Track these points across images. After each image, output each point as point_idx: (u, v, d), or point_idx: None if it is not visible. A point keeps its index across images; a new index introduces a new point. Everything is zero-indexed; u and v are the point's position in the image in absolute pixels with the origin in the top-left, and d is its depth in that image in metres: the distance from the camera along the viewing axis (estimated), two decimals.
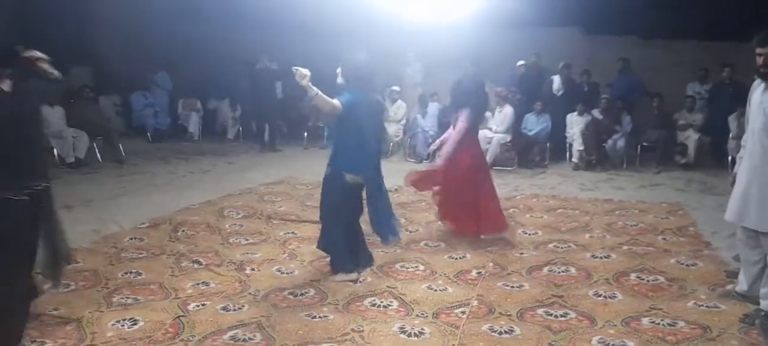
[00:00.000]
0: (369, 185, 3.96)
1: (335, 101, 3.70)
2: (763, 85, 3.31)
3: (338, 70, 3.88)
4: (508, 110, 8.34)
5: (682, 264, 4.15)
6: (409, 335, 3.09)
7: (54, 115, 8.10)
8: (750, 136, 3.38)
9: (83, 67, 10.66)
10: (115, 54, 11.33)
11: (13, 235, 2.67)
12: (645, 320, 3.25)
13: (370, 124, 3.87)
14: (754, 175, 3.28)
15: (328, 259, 4.07)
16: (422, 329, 3.16)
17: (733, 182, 3.64)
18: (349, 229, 4.00)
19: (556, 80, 9.20)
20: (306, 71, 3.54)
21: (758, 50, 3.28)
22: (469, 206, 4.70)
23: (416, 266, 4.17)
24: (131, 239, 4.75)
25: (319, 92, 3.62)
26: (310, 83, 3.56)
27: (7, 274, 2.66)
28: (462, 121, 4.70)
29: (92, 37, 11.35)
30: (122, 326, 3.15)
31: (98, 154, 8.44)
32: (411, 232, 5.09)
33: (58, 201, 5.78)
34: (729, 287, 3.65)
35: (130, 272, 3.98)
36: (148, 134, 10.37)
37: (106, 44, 11.38)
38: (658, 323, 3.20)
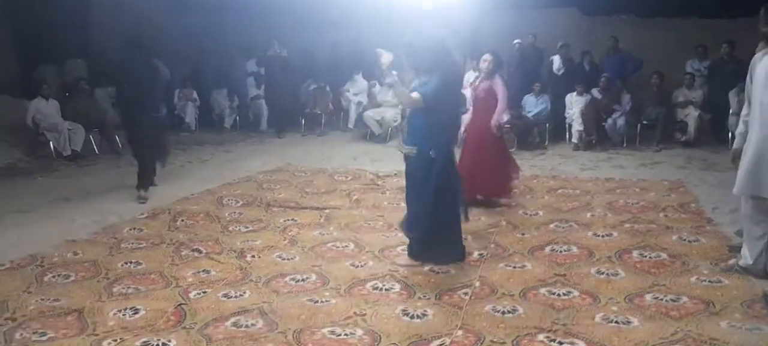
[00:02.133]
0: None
1: (416, 96, 3.57)
2: (767, 58, 3.25)
3: (383, 58, 3.67)
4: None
5: (684, 240, 4.13)
6: (412, 317, 3.07)
7: (49, 109, 8.08)
8: (757, 109, 3.32)
9: (78, 60, 10.60)
10: (109, 45, 11.24)
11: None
12: (648, 297, 3.24)
13: (454, 102, 3.78)
14: (765, 145, 3.25)
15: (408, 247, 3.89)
16: (425, 310, 3.15)
17: (734, 158, 3.62)
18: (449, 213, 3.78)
19: (556, 60, 9.15)
20: (389, 56, 3.44)
21: (765, 29, 3.25)
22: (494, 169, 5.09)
23: None
24: (130, 229, 4.73)
25: (401, 85, 3.56)
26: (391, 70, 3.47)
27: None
28: (501, 86, 5.07)
29: (87, 28, 11.26)
30: (124, 315, 3.13)
31: (95, 147, 8.39)
32: None
33: (57, 193, 5.88)
34: (731, 261, 3.63)
35: (130, 262, 3.96)
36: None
37: (101, 35, 11.28)
38: (662, 299, 3.19)
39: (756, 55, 3.47)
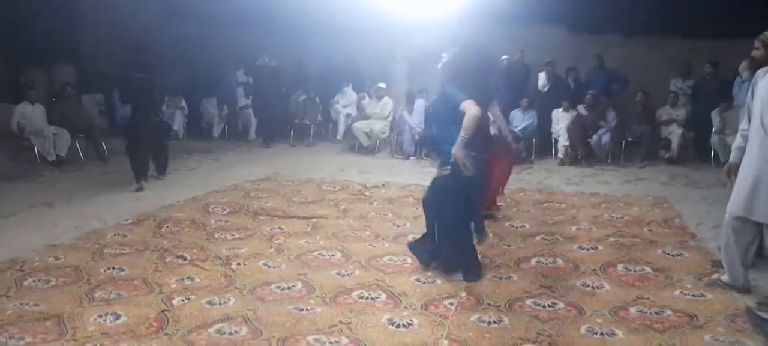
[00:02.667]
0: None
1: (472, 112, 3.45)
2: None
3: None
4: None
5: (668, 255, 4.17)
6: (398, 327, 3.06)
7: (35, 113, 7.98)
8: (757, 126, 3.28)
9: (66, 66, 10.52)
10: (99, 52, 11.19)
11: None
12: (632, 309, 3.26)
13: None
14: (763, 168, 3.21)
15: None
16: (411, 320, 3.14)
17: (729, 172, 3.57)
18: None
19: (542, 77, 9.27)
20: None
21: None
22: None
23: (404, 259, 4.14)
24: (114, 235, 4.67)
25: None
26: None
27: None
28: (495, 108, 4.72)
29: (76, 34, 11.20)
30: (104, 320, 3.08)
31: (80, 152, 8.30)
32: (398, 226, 5.07)
33: (40, 198, 5.80)
34: (715, 276, 3.67)
35: (113, 268, 3.90)
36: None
37: (90, 42, 11.23)
38: (646, 312, 3.21)
39: (759, 72, 3.43)
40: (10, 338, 2.90)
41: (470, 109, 3.45)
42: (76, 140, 8.21)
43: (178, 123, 10.39)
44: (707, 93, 8.33)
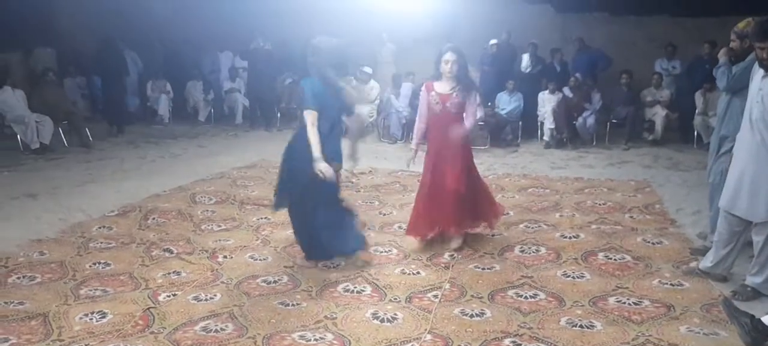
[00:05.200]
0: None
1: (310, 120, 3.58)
2: (761, 71, 3.22)
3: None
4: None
5: (648, 242, 4.25)
6: (382, 321, 3.11)
7: (15, 99, 7.83)
8: (746, 123, 3.29)
9: (47, 49, 10.31)
10: (80, 34, 10.98)
11: None
12: (611, 300, 3.33)
13: (339, 109, 3.78)
14: (747, 163, 3.24)
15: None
16: (395, 314, 3.18)
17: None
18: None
19: (525, 59, 9.28)
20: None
21: (758, 45, 3.16)
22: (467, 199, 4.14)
23: (390, 250, 4.18)
24: (99, 227, 4.66)
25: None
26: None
27: None
28: (474, 105, 4.15)
29: (56, 17, 10.96)
30: (90, 319, 3.10)
31: (64, 140, 8.21)
32: (384, 214, 5.10)
33: (23, 189, 5.75)
34: (693, 264, 3.76)
35: (99, 263, 3.91)
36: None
37: (71, 24, 11.00)
38: (624, 303, 3.29)
39: (753, 67, 3.37)
40: None
41: (308, 118, 3.56)
42: (59, 127, 8.11)
43: (163, 108, 10.28)
44: (700, 73, 8.07)
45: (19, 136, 7.69)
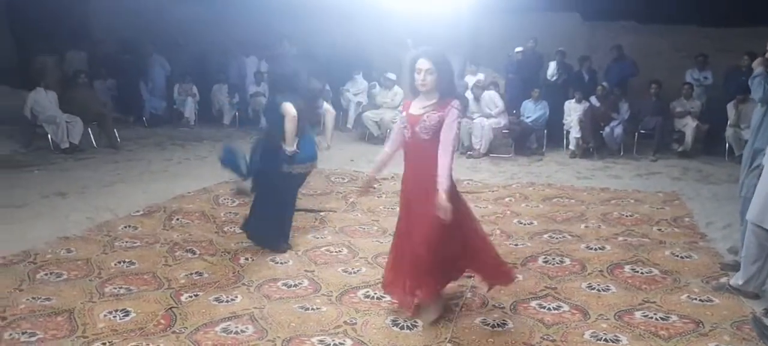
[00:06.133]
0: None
1: (290, 113, 4.04)
2: None
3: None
4: (490, 94, 8.42)
5: (677, 256, 4.14)
6: (402, 328, 3.08)
7: (47, 100, 8.04)
8: None
9: (79, 53, 10.59)
10: (111, 39, 11.27)
11: None
12: (638, 314, 3.24)
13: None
14: None
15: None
16: (415, 321, 3.15)
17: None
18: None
19: (551, 66, 9.17)
20: None
21: None
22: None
23: None
24: (125, 227, 4.73)
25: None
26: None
27: None
28: (455, 119, 2.98)
29: (89, 22, 11.27)
30: (114, 317, 3.14)
31: (93, 140, 8.38)
32: None
33: (53, 188, 5.89)
34: (723, 280, 3.64)
35: (124, 262, 3.97)
36: (144, 119, 10.37)
37: (103, 29, 11.30)
38: (651, 317, 3.20)
39: None
40: (23, 333, 2.96)
41: (289, 111, 4.06)
42: (89, 128, 8.29)
43: (189, 110, 10.44)
44: (740, 83, 7.61)
45: (49, 136, 7.89)
